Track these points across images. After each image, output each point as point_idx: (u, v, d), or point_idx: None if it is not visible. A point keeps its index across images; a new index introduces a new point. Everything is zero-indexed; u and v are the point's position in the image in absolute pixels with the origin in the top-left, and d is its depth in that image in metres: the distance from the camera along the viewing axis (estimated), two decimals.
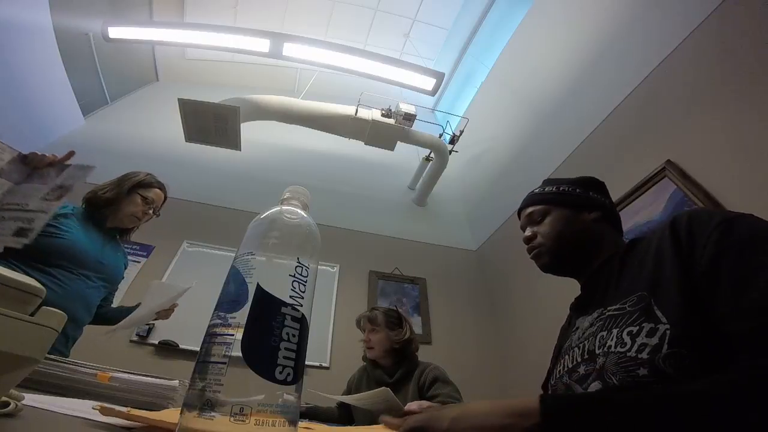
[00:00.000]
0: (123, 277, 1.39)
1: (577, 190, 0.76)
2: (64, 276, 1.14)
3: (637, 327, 0.48)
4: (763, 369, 0.34)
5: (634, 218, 1.78)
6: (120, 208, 1.30)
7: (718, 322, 0.42)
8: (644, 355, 0.45)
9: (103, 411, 0.37)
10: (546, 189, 0.79)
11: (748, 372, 0.34)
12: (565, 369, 0.62)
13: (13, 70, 2.63)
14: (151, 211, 1.36)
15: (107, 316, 1.35)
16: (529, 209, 0.79)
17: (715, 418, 0.31)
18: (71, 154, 0.85)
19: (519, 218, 0.84)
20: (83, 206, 1.31)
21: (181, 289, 1.29)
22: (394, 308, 1.61)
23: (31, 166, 0.79)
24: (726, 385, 0.34)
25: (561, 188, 0.77)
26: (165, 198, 1.43)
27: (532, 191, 0.82)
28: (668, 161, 1.67)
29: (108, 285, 1.30)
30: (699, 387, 0.35)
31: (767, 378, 0.33)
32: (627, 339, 0.49)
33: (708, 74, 1.62)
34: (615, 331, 0.52)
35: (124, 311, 1.36)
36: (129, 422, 0.36)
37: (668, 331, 0.44)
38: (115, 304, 1.45)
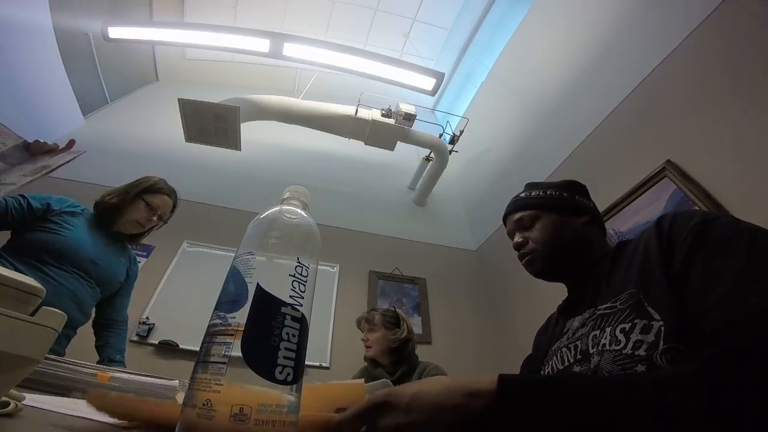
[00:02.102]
0: (121, 282, 1.36)
1: (564, 194, 0.77)
2: (55, 273, 1.13)
3: (630, 324, 0.49)
4: (729, 353, 0.33)
5: (634, 218, 1.78)
6: (123, 213, 1.29)
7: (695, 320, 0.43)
8: (641, 352, 0.45)
9: (91, 398, 0.35)
10: (532, 193, 0.79)
11: (712, 358, 0.34)
12: (555, 370, 0.62)
13: (13, 70, 2.63)
14: (155, 218, 1.33)
15: (97, 343, 1.32)
16: (518, 214, 0.78)
17: (677, 402, 0.31)
18: (72, 143, 0.88)
19: (505, 224, 0.83)
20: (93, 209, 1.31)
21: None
22: (393, 308, 1.63)
23: (32, 152, 0.83)
24: (692, 369, 0.33)
25: (548, 192, 0.77)
26: (174, 205, 1.40)
27: (517, 196, 0.82)
28: (668, 161, 1.67)
29: (101, 287, 1.28)
30: (664, 373, 0.35)
31: (731, 363, 0.32)
32: (621, 336, 0.49)
33: (708, 74, 1.62)
34: (608, 329, 0.52)
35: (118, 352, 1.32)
36: (129, 422, 0.36)
37: (663, 328, 0.45)
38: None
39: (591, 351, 0.54)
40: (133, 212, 1.30)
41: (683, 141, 1.66)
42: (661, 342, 0.44)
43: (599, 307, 0.57)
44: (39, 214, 1.17)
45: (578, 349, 0.58)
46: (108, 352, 1.30)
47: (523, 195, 0.81)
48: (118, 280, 1.34)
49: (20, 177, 0.75)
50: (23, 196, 1.16)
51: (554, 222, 0.74)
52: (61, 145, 0.89)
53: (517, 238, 0.77)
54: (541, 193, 0.78)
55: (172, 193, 1.39)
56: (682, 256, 0.47)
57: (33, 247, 1.13)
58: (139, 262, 1.52)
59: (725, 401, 0.30)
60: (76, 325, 1.24)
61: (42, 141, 0.84)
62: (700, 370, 0.33)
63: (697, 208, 1.48)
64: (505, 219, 0.83)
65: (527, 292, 2.52)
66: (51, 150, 0.85)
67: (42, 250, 1.13)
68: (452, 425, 0.33)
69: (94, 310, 1.32)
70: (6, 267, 1.00)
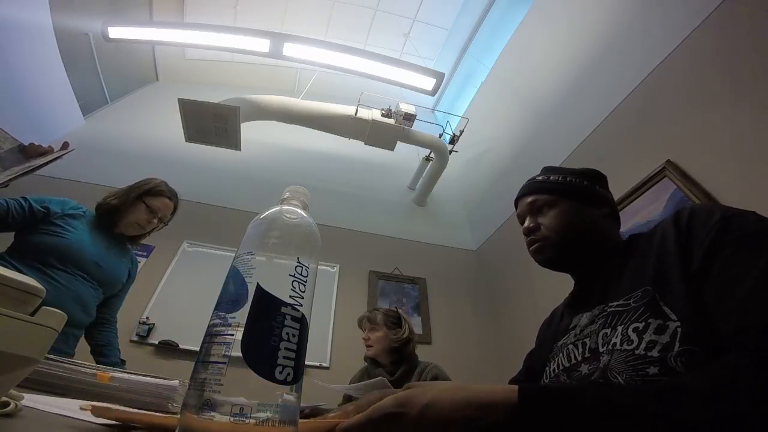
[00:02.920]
0: (123, 283, 1.37)
1: (585, 183, 0.71)
2: (59, 275, 1.14)
3: (643, 323, 0.47)
4: (744, 366, 0.33)
5: (634, 218, 1.78)
6: (124, 215, 1.29)
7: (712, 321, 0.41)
8: (654, 353, 0.43)
9: (96, 411, 0.36)
10: (551, 177, 0.73)
11: (728, 367, 0.33)
12: (561, 368, 0.60)
13: (13, 70, 2.63)
14: (156, 220, 1.33)
15: (98, 342, 1.33)
16: (533, 197, 0.72)
17: (693, 414, 0.31)
18: (66, 145, 0.90)
19: (516, 207, 0.77)
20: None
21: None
22: (395, 309, 1.63)
23: (27, 155, 0.85)
24: (707, 381, 0.33)
25: (568, 179, 0.71)
26: (175, 207, 1.40)
27: (534, 178, 0.76)
28: (668, 161, 1.67)
29: (103, 288, 1.28)
30: (684, 384, 0.34)
31: (747, 374, 0.32)
32: (633, 336, 0.47)
33: (708, 74, 1.62)
34: (620, 328, 0.50)
35: (114, 352, 1.34)
36: (127, 422, 0.36)
37: (679, 329, 0.43)
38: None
39: (601, 350, 0.52)
40: (134, 214, 1.30)
41: (683, 141, 1.66)
42: (677, 344, 0.42)
43: (610, 304, 0.55)
44: (40, 216, 1.17)
45: (587, 347, 0.56)
46: (114, 354, 1.33)
47: (540, 178, 0.75)
48: (120, 281, 1.35)
49: (4, 176, 0.76)
50: (25, 198, 1.16)
51: (572, 210, 0.68)
52: (56, 148, 0.90)
53: (529, 223, 0.71)
54: (560, 178, 0.72)
55: (173, 196, 1.39)
56: (702, 253, 0.45)
57: (36, 249, 1.13)
58: (139, 262, 1.52)
59: (748, 411, 0.29)
60: (81, 326, 1.25)
61: (37, 144, 0.85)
62: (720, 380, 0.32)
63: None
64: (517, 201, 0.77)
65: (527, 292, 2.52)
66: (46, 153, 0.86)
67: (45, 253, 1.13)
68: None
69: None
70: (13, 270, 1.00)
